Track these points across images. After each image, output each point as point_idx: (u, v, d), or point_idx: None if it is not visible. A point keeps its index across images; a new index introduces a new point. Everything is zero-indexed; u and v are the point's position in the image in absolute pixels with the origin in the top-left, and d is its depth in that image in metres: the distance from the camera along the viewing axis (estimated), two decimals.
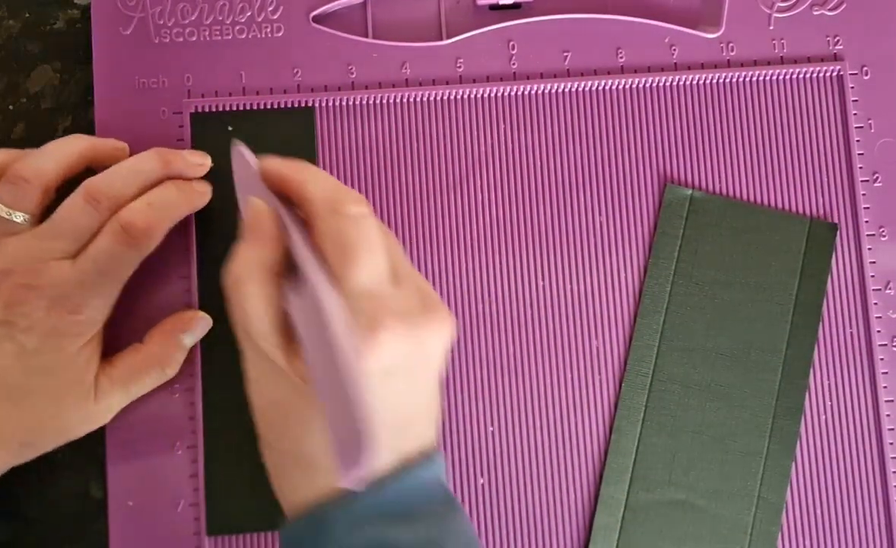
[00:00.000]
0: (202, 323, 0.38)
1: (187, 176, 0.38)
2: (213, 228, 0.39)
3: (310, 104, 0.41)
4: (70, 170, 0.37)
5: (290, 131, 0.40)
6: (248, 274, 0.31)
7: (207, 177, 0.39)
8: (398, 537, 0.30)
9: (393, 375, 0.30)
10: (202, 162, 0.39)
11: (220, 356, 0.39)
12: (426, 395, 0.33)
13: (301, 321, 0.30)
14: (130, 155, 0.39)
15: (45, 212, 0.36)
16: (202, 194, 0.38)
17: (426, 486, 0.32)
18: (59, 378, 0.35)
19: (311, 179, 0.32)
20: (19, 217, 0.35)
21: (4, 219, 0.35)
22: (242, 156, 0.35)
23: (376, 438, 0.27)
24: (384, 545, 0.30)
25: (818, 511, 0.40)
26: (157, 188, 0.37)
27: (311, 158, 0.40)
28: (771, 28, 0.43)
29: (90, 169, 0.37)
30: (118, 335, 0.38)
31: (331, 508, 0.30)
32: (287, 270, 0.32)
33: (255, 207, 0.32)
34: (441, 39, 0.42)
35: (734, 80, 0.42)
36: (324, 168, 0.41)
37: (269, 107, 0.41)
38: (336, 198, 0.31)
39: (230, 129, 0.40)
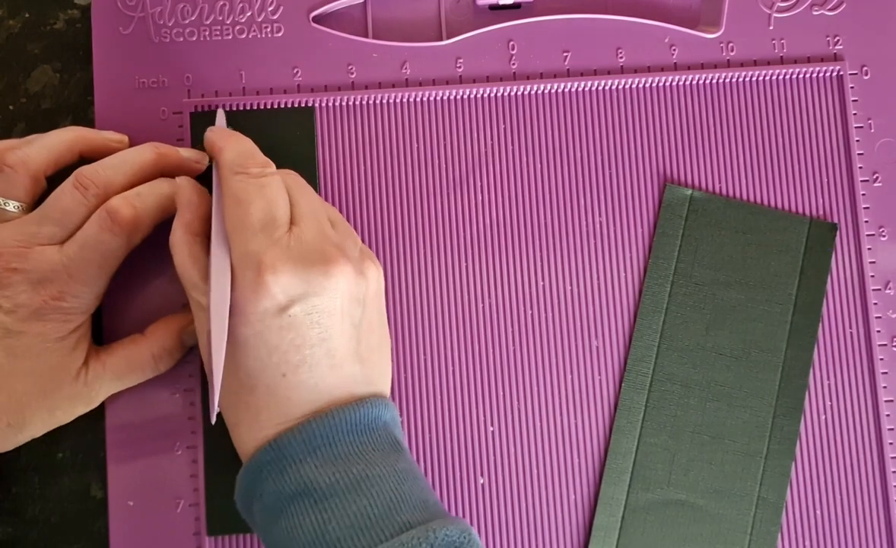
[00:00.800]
0: None
1: (183, 173, 0.38)
2: None
3: (310, 104, 0.41)
4: (61, 159, 0.37)
5: (290, 131, 0.40)
6: (176, 236, 0.35)
7: (207, 176, 0.39)
8: (318, 477, 0.31)
9: (291, 314, 0.32)
10: (199, 159, 0.38)
11: None
12: (343, 338, 0.34)
13: (209, 279, 0.34)
14: None
15: (36, 201, 0.36)
16: (197, 195, 0.37)
17: (358, 428, 0.33)
18: (44, 361, 0.35)
19: (225, 147, 0.35)
20: (11, 205, 0.36)
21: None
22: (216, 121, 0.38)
23: (214, 405, 0.32)
24: (305, 486, 0.31)
25: (818, 511, 0.40)
26: (149, 182, 0.37)
27: (312, 157, 0.40)
28: (771, 28, 0.43)
29: (86, 160, 0.37)
30: (120, 323, 0.38)
31: (263, 454, 0.32)
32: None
33: (179, 180, 0.36)
34: (441, 39, 0.42)
35: (734, 80, 0.42)
36: (324, 168, 0.41)
37: (268, 107, 0.41)
38: (240, 162, 0.34)
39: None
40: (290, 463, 0.32)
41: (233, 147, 0.35)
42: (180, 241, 0.35)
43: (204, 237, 0.35)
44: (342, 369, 0.34)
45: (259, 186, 0.34)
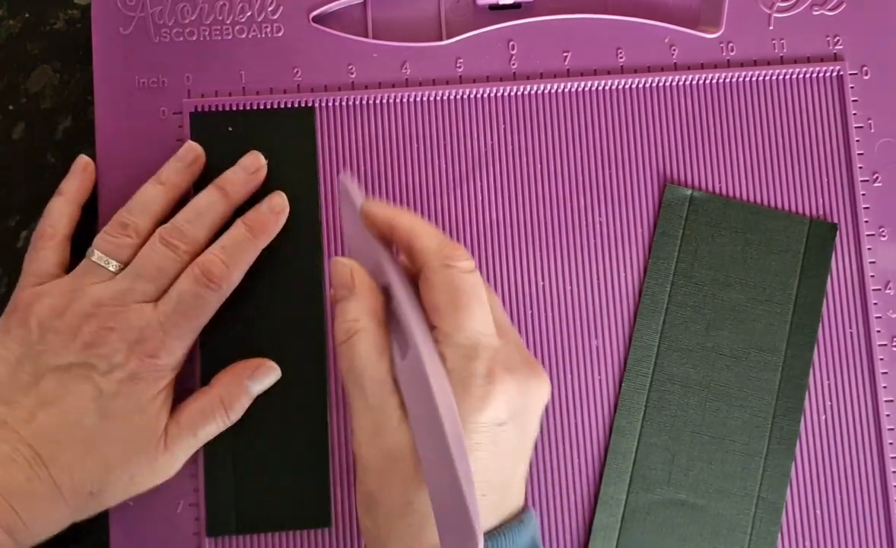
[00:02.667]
0: (270, 372, 0.38)
1: (249, 192, 0.39)
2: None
3: (310, 104, 0.41)
4: (161, 219, 0.38)
5: (290, 131, 0.40)
6: (358, 325, 0.31)
7: (207, 179, 0.39)
8: None
9: (503, 429, 0.30)
10: (257, 165, 0.39)
11: (221, 357, 0.39)
12: (525, 453, 0.32)
13: (405, 383, 0.30)
14: (133, 157, 0.39)
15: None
16: (275, 215, 0.39)
17: (524, 541, 0.31)
18: (134, 423, 0.35)
19: (421, 233, 0.32)
20: (112, 265, 0.36)
21: (97, 266, 0.36)
22: (347, 191, 0.35)
23: (480, 533, 0.27)
24: None
25: (818, 511, 0.40)
26: (229, 231, 0.38)
27: (312, 157, 0.40)
28: (771, 28, 0.43)
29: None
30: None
31: None
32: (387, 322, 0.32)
33: (346, 265, 0.33)
34: (441, 39, 0.42)
35: (734, 80, 0.42)
36: (324, 168, 0.41)
37: (269, 107, 0.41)
38: (447, 252, 0.31)
39: (230, 129, 0.40)
40: None
41: (429, 233, 0.32)
42: (366, 330, 0.31)
43: (386, 327, 0.32)
44: (517, 473, 0.32)
45: (473, 284, 0.31)
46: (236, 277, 0.37)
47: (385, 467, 0.31)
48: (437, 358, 0.30)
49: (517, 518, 0.32)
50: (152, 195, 0.38)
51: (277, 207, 0.39)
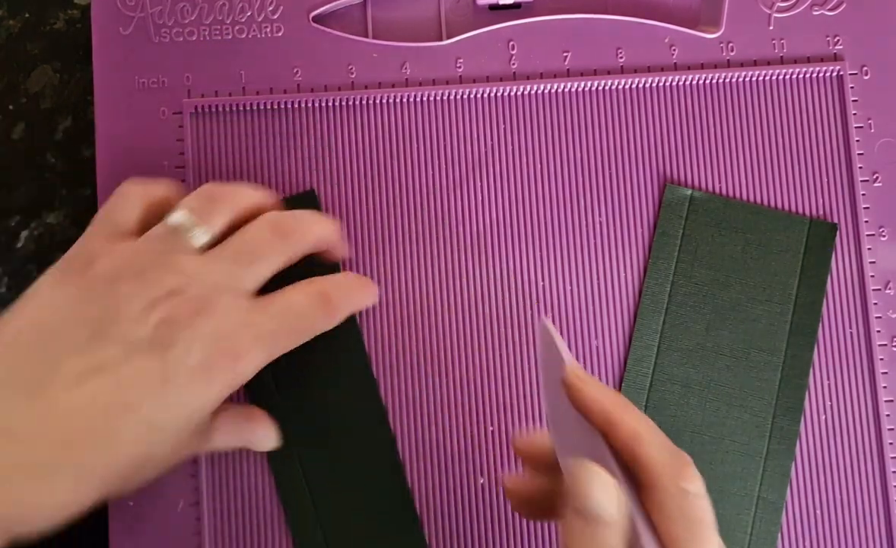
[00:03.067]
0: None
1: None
2: None
3: (310, 104, 0.41)
4: (250, 216, 0.34)
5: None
6: None
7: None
8: None
9: None
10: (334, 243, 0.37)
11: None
12: None
13: None
14: (133, 157, 0.39)
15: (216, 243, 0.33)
16: (374, 292, 0.37)
17: None
18: (190, 421, 0.31)
19: (648, 439, 0.27)
20: (199, 235, 0.32)
21: (182, 231, 0.32)
22: (551, 342, 0.29)
23: None
24: None
25: (818, 511, 0.40)
26: (346, 273, 0.36)
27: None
28: (771, 28, 0.43)
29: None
30: None
31: None
32: None
33: (612, 484, 0.26)
34: (441, 39, 0.42)
35: (734, 80, 0.42)
36: (324, 168, 0.41)
37: (268, 107, 0.41)
38: (681, 472, 0.27)
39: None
40: None
41: (657, 441, 0.27)
42: None
43: None
44: None
45: (708, 509, 0.27)
46: (341, 317, 0.34)
47: None
48: None
49: None
50: (254, 193, 0.34)
51: (370, 290, 0.37)
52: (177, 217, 0.32)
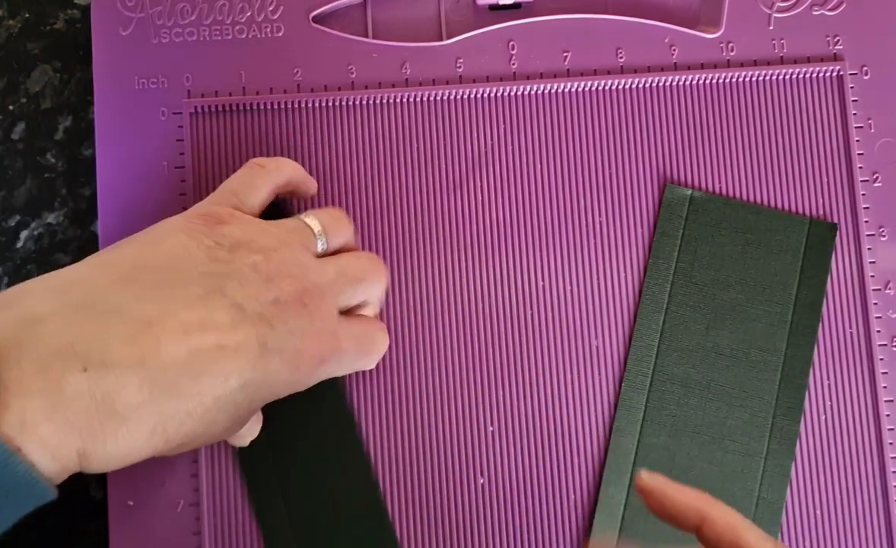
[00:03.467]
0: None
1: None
2: None
3: (310, 104, 0.41)
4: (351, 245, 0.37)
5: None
6: None
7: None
8: None
9: None
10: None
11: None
12: None
13: None
14: (133, 157, 0.39)
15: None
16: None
17: None
18: (259, 403, 0.31)
19: (745, 526, 0.28)
20: (322, 243, 0.34)
21: (308, 233, 0.34)
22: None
23: None
24: None
25: (818, 511, 0.40)
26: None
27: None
28: (771, 28, 0.43)
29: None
30: None
31: None
32: None
33: None
34: (441, 39, 0.42)
35: (734, 80, 0.42)
36: (324, 168, 0.41)
37: (268, 107, 0.41)
38: None
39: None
40: None
41: (760, 533, 0.28)
42: None
43: None
44: None
45: None
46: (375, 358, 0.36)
47: None
48: None
49: None
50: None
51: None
52: (313, 222, 0.34)
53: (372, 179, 0.41)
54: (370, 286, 0.35)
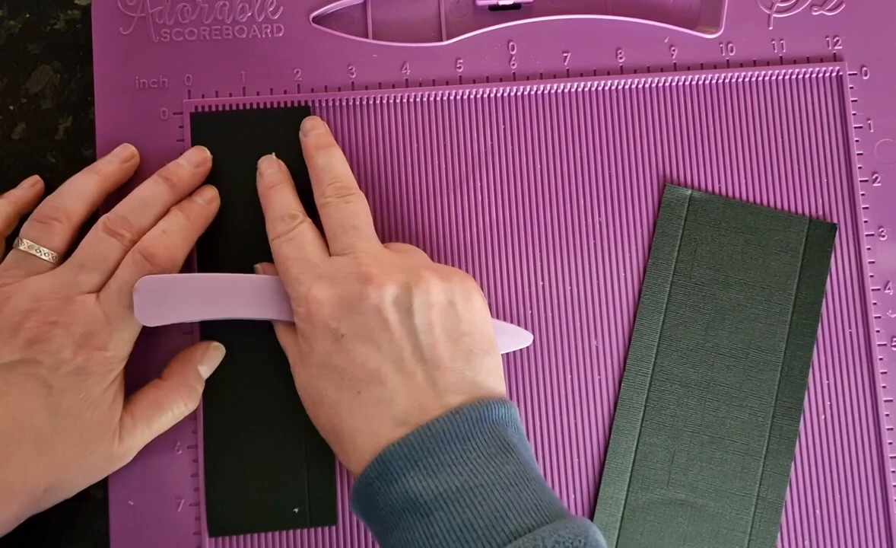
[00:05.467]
0: (216, 353, 0.38)
1: (194, 184, 0.39)
2: (214, 241, 0.39)
3: (310, 104, 0.41)
4: (93, 206, 0.37)
5: (288, 129, 0.40)
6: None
7: (209, 179, 0.39)
8: (422, 490, 0.30)
9: (344, 335, 0.34)
10: (201, 159, 0.39)
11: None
12: (405, 350, 0.33)
13: None
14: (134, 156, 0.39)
15: (67, 252, 0.36)
16: (209, 206, 0.39)
17: (459, 435, 0.32)
18: (86, 419, 0.34)
19: None
20: (44, 253, 0.35)
21: (30, 256, 0.35)
22: None
23: None
24: (411, 500, 0.31)
25: (818, 511, 0.40)
26: (167, 217, 0.37)
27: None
28: (770, 28, 0.43)
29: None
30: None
31: (370, 470, 0.32)
32: None
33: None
34: (441, 40, 0.42)
35: (734, 80, 0.42)
36: None
37: (267, 106, 0.41)
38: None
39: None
40: (395, 478, 0.31)
41: None
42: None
43: None
44: (414, 378, 0.33)
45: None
46: (179, 260, 0.37)
47: (305, 397, 0.35)
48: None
49: (479, 401, 0.33)
50: (83, 181, 0.37)
51: (210, 198, 0.39)
52: (23, 243, 0.36)
53: (372, 178, 0.41)
54: (120, 251, 0.36)
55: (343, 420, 0.33)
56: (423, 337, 0.33)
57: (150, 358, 0.38)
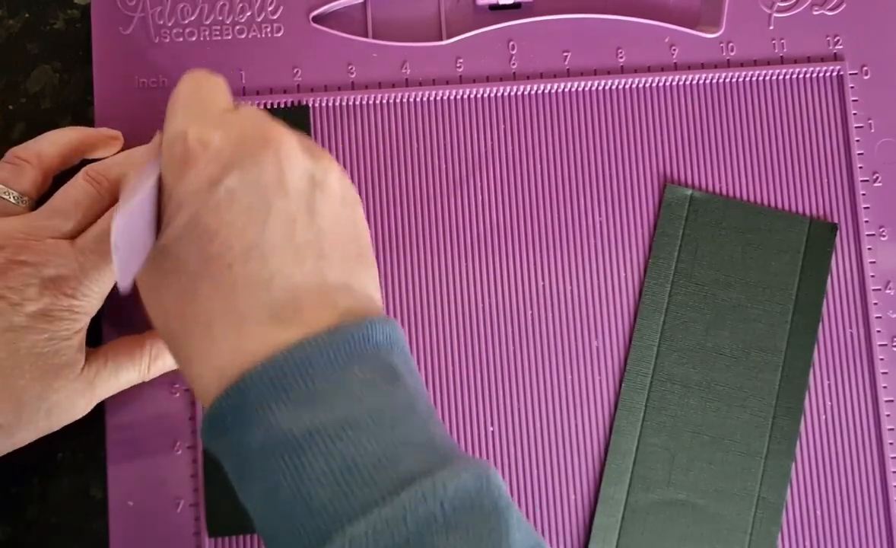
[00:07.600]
0: None
1: None
2: None
3: (310, 104, 0.41)
4: (68, 158, 0.37)
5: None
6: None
7: None
8: (291, 424, 0.25)
9: (227, 187, 0.27)
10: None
11: None
12: (300, 225, 0.27)
13: None
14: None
15: (41, 199, 0.36)
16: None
17: (338, 357, 0.26)
18: (49, 361, 0.33)
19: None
20: (12, 197, 0.35)
21: (5, 202, 0.35)
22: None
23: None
24: (277, 438, 0.25)
25: (818, 511, 0.40)
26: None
27: None
28: (771, 28, 0.43)
29: (86, 160, 0.37)
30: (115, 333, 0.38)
31: (223, 400, 0.26)
32: None
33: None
34: (441, 39, 0.42)
35: (734, 80, 0.42)
36: None
37: (268, 106, 0.41)
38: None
39: None
40: (256, 409, 0.25)
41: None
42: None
43: None
44: (305, 264, 0.27)
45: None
46: (111, 180, 0.35)
47: (152, 299, 0.29)
48: None
49: (353, 318, 0.27)
50: (62, 130, 0.37)
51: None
52: None
53: (372, 178, 0.41)
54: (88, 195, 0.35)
55: (200, 305, 0.27)
56: (320, 220, 0.28)
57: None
